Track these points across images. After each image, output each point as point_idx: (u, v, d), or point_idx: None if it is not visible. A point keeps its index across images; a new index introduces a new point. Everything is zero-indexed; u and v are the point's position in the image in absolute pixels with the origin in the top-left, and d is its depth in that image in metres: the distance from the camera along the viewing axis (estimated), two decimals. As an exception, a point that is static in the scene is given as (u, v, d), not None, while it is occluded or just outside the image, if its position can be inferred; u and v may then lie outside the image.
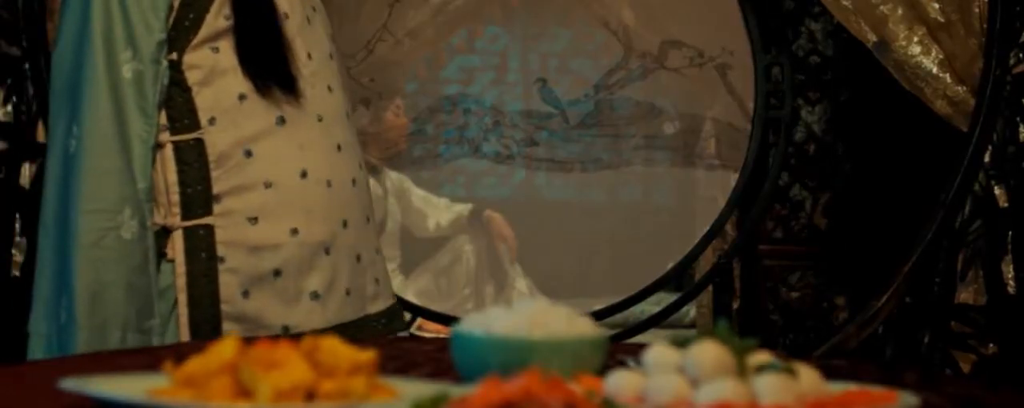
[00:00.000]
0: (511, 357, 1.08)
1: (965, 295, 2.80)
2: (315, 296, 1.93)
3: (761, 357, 1.00)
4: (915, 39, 2.89)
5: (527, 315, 1.10)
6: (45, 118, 2.87)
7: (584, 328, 1.13)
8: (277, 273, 1.90)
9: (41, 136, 2.89)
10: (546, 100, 3.99)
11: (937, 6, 2.85)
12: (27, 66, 2.88)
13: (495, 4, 4.19)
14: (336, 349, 0.98)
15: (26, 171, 2.89)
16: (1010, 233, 2.78)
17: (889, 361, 2.77)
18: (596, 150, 3.96)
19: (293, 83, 1.94)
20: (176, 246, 1.87)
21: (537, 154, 4.01)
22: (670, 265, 3.73)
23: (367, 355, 0.99)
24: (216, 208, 1.88)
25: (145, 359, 1.37)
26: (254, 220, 1.90)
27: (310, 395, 0.95)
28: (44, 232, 1.90)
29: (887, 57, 2.91)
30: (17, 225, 2.87)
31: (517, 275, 4.19)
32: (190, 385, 0.97)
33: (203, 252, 1.87)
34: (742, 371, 0.98)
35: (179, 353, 1.10)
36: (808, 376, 1.00)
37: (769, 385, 0.96)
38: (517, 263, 4.21)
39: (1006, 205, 2.79)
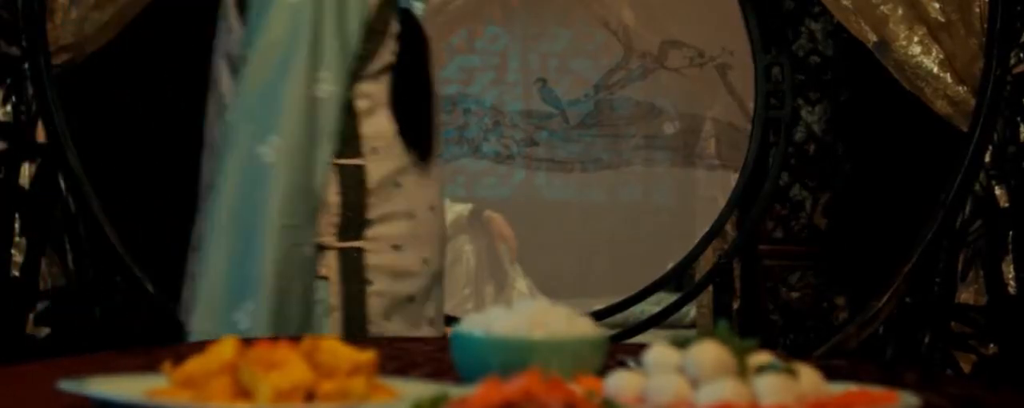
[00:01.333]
0: (511, 357, 1.07)
1: (965, 295, 2.80)
2: (431, 322, 2.00)
3: (761, 357, 1.00)
4: (915, 39, 2.88)
5: (527, 315, 1.10)
6: (45, 118, 2.87)
7: (584, 328, 1.13)
8: (411, 299, 1.96)
9: (41, 136, 2.88)
10: (546, 100, 3.99)
11: (937, 6, 2.84)
12: (27, 66, 2.87)
13: (495, 4, 4.19)
14: (335, 349, 0.97)
15: (26, 171, 2.88)
16: (1010, 233, 2.77)
17: (890, 361, 2.76)
18: (596, 150, 3.95)
19: (433, 144, 2.00)
20: (331, 266, 1.90)
21: (537, 154, 4.01)
22: (670, 265, 3.73)
23: (366, 356, 0.98)
24: (367, 233, 1.92)
25: (144, 360, 1.37)
26: (397, 247, 1.94)
27: (310, 396, 0.95)
28: (219, 231, 1.87)
29: (887, 57, 2.91)
30: (17, 225, 2.86)
31: (517, 275, 4.19)
32: (189, 386, 0.96)
33: (355, 274, 1.91)
34: (742, 371, 0.98)
35: (178, 353, 1.10)
36: (808, 376, 1.00)
37: (769, 385, 0.96)
38: (517, 263, 4.20)
39: (1006, 205, 2.78)
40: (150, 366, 1.13)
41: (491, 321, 1.11)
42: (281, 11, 1.87)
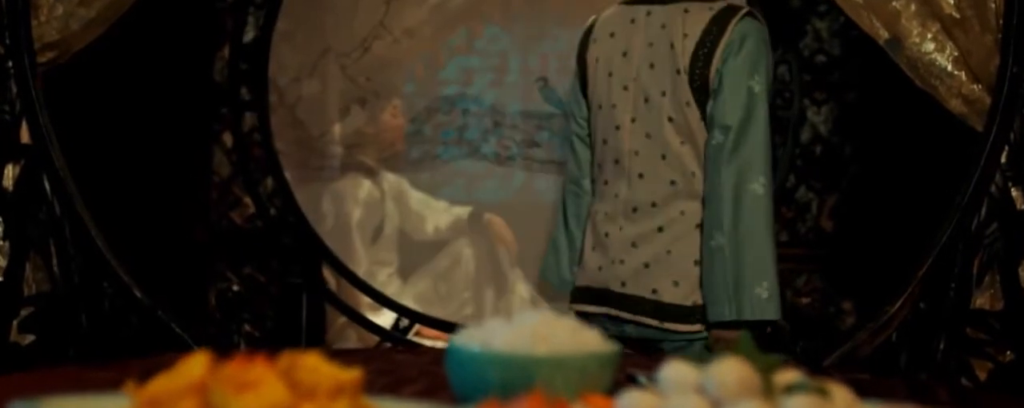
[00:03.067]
0: (512, 375, 0.98)
1: (981, 300, 2.71)
2: None
3: (789, 375, 0.91)
4: (929, 35, 2.79)
5: (529, 328, 1.00)
6: (29, 118, 2.79)
7: (591, 342, 1.03)
8: None
9: (25, 136, 2.82)
10: (548, 100, 3.91)
11: (952, 1, 2.76)
12: (10, 64, 2.80)
13: (495, 3, 4.12)
14: (317, 367, 0.88)
15: (9, 172, 2.81)
16: (1027, 236, 2.70)
17: (904, 369, 2.68)
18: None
19: None
20: None
21: (538, 155, 3.93)
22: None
23: (351, 374, 0.89)
24: None
25: (116, 374, 1.28)
26: None
27: (288, 418, 0.86)
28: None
29: (900, 54, 2.82)
30: (0, 229, 2.79)
31: (517, 279, 4.11)
32: (153, 407, 0.87)
33: None
34: (768, 391, 0.89)
35: (151, 367, 1.01)
36: (841, 397, 0.90)
37: (799, 407, 0.86)
38: (517, 267, 4.12)
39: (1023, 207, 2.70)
40: (122, 381, 1.05)
41: (490, 335, 1.02)
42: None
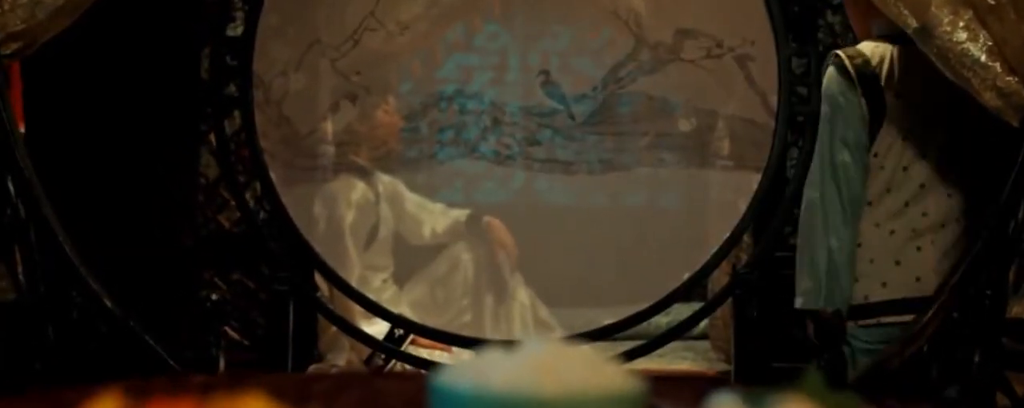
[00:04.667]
0: (512, 419, 0.78)
1: (1018, 309, 2.56)
2: None
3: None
4: (961, 24, 2.60)
5: (534, 361, 0.80)
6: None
7: (610, 378, 0.83)
8: None
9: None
10: (550, 96, 3.75)
11: (986, -14, 2.58)
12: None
13: (494, -2, 4.00)
14: (258, 414, 0.68)
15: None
16: (1068, 240, 2.54)
17: (936, 382, 2.52)
18: (603, 150, 3.71)
19: None
20: None
21: (539, 155, 3.78)
22: (685, 274, 3.46)
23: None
24: None
25: (47, 403, 1.10)
26: None
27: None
28: None
29: (930, 44, 2.64)
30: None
31: (518, 285, 4.00)
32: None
33: None
34: (844, 444, 0.69)
35: (79, 399, 0.83)
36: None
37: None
38: (518, 272, 4.00)
39: (1064, 209, 2.54)
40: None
41: (486, 368, 0.81)
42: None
